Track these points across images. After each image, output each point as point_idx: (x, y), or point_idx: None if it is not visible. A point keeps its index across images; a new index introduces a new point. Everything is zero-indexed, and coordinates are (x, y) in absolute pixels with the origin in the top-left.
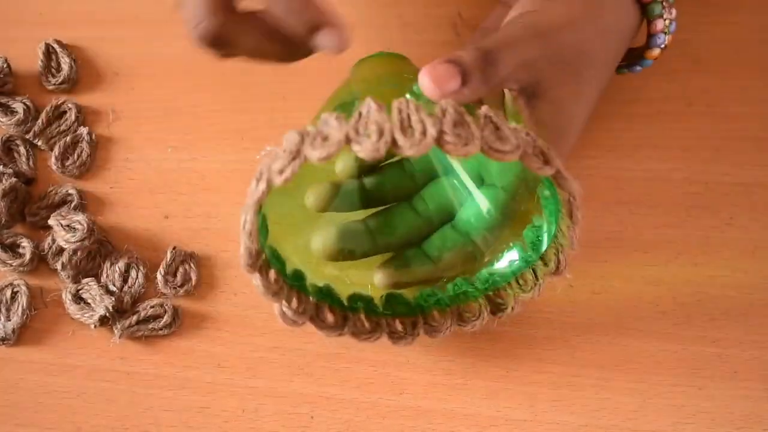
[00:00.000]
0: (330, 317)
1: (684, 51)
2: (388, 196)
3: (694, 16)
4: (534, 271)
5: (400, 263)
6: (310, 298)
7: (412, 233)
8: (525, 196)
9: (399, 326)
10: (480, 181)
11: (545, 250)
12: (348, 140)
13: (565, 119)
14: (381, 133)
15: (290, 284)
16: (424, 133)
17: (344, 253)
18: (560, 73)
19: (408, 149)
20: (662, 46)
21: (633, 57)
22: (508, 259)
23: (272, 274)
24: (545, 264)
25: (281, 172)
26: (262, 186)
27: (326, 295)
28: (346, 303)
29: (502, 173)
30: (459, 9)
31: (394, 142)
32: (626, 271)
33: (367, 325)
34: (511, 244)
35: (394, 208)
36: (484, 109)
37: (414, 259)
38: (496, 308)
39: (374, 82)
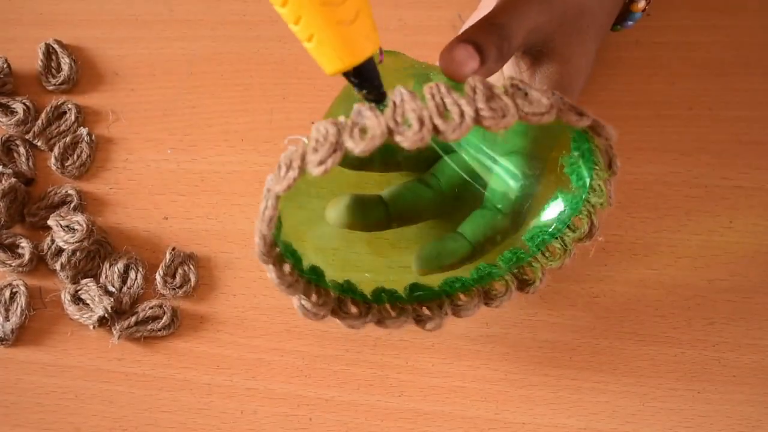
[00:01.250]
0: (354, 309)
1: (684, 54)
2: (409, 208)
3: (694, 20)
4: (563, 239)
5: (436, 248)
6: (331, 293)
7: (422, 203)
8: (544, 148)
9: (425, 311)
10: (492, 159)
11: (575, 218)
12: (390, 132)
13: (572, 75)
14: (422, 121)
15: (308, 279)
16: (462, 114)
17: (357, 222)
18: (565, 33)
19: (450, 134)
20: None
21: (622, 13)
22: (556, 210)
23: (286, 267)
24: (573, 231)
25: (321, 163)
26: (293, 174)
27: (348, 290)
28: (370, 297)
29: (510, 140)
30: (458, 11)
31: (435, 128)
32: (626, 275)
33: (392, 312)
34: (555, 196)
35: (407, 183)
36: (507, 78)
37: (451, 241)
38: (524, 284)
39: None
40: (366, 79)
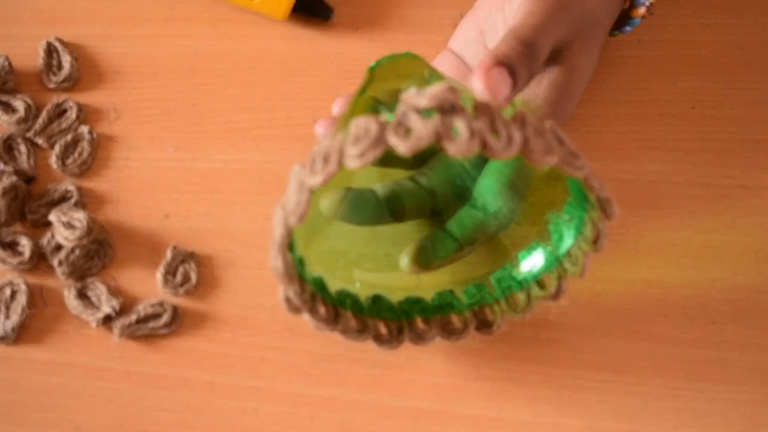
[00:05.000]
0: (323, 310)
1: (687, 53)
2: (401, 205)
3: (697, 18)
4: (528, 293)
5: (425, 246)
6: (308, 287)
7: (414, 201)
8: (528, 167)
9: (383, 330)
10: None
11: (545, 275)
12: (438, 136)
13: (576, 84)
14: (472, 133)
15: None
16: (510, 138)
17: (349, 214)
18: (578, 41)
19: (498, 152)
20: (647, 3)
21: (620, 18)
22: (531, 264)
23: (289, 256)
24: (541, 287)
25: (361, 156)
26: (331, 168)
27: (319, 286)
28: (334, 296)
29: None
30: (461, 10)
31: (484, 143)
32: (628, 274)
33: (354, 323)
34: (534, 244)
35: (400, 180)
36: (549, 123)
37: (438, 239)
38: (482, 324)
39: (399, 84)
40: (312, 8)
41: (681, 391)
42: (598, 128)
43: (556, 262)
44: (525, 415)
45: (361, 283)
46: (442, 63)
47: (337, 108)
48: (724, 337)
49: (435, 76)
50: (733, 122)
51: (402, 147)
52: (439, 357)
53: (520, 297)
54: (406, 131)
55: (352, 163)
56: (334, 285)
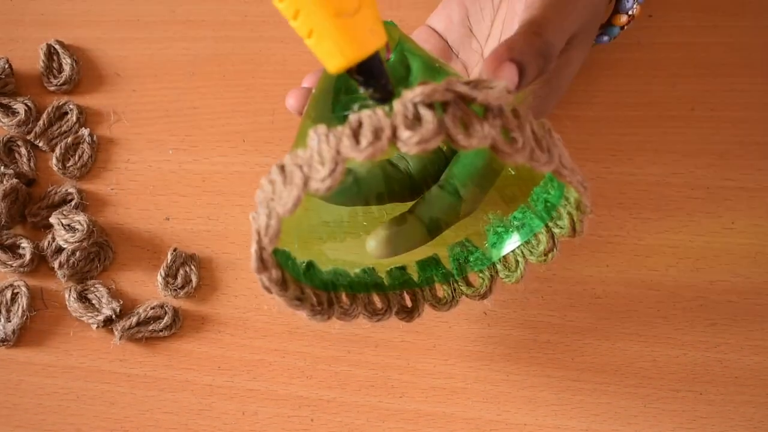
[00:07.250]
0: (313, 298)
1: (686, 55)
2: (378, 187)
3: (696, 21)
4: (453, 287)
5: (392, 230)
6: (293, 279)
7: (390, 184)
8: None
9: (378, 303)
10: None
11: (506, 256)
12: (446, 131)
13: (565, 77)
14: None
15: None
16: (521, 143)
17: (332, 196)
18: (581, 34)
19: (510, 156)
20: (629, 12)
21: (601, 26)
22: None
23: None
24: (467, 285)
25: (362, 151)
26: (330, 166)
27: (308, 277)
28: (326, 277)
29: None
30: None
31: (474, 138)
32: (627, 276)
33: (346, 300)
34: (465, 240)
35: (380, 164)
36: (547, 125)
37: (406, 224)
38: (402, 310)
39: None
40: (372, 77)
41: (681, 393)
42: (597, 130)
43: (487, 263)
44: (525, 417)
45: (322, 259)
46: (417, 40)
47: (307, 83)
48: (724, 339)
49: (410, 51)
50: (733, 124)
51: (412, 140)
52: (438, 359)
53: (445, 289)
54: (415, 125)
55: (359, 156)
56: (325, 266)
